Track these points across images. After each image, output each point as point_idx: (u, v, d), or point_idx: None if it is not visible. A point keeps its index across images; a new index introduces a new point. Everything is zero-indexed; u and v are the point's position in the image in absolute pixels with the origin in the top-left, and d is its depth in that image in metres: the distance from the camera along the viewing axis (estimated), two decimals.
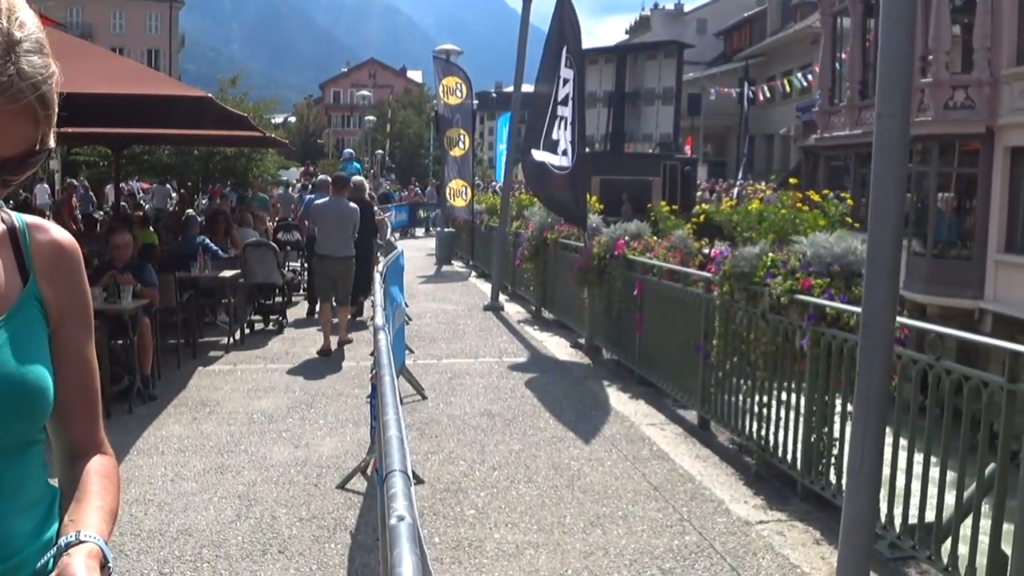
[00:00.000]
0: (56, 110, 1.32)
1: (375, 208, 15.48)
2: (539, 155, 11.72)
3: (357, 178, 13.48)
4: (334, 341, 10.79)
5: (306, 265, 14.57)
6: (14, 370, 1.35)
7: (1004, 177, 20.02)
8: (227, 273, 10.86)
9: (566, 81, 11.41)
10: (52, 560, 1.30)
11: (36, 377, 1.38)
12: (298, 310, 13.89)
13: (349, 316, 11.80)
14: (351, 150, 31.83)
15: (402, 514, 1.69)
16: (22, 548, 1.38)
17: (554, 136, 11.47)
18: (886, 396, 4.16)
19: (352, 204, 11.26)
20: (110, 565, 1.33)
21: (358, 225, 11.19)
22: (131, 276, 8.35)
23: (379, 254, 12.77)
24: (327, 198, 11.56)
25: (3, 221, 1.47)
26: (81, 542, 1.31)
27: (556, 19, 11.85)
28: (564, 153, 11.33)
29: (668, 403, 8.44)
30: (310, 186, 23.42)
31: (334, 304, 11.17)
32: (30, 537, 1.40)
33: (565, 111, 11.38)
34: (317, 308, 12.02)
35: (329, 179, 12.83)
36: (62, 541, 1.32)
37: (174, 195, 26.40)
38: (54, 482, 1.52)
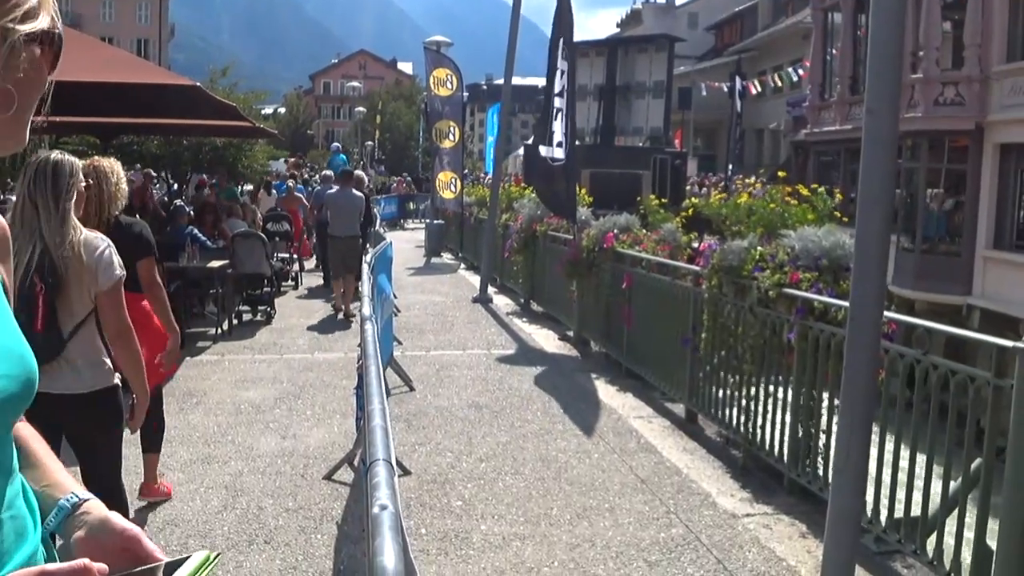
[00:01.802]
0: None
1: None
2: (543, 150, 11.72)
3: (359, 172, 15.64)
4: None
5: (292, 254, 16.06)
6: (25, 352, 1.34)
7: (993, 173, 20.10)
8: (215, 263, 10.82)
9: (562, 73, 11.42)
10: (61, 520, 1.34)
11: (32, 357, 1.37)
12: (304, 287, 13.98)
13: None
14: (338, 144, 32.12)
15: (384, 503, 1.68)
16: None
17: (552, 128, 11.51)
18: (873, 390, 4.17)
19: (357, 193, 13.56)
20: None
21: (363, 210, 13.57)
22: None
23: (368, 244, 12.95)
24: (336, 188, 13.73)
25: None
26: (85, 500, 1.36)
27: (557, 11, 11.86)
28: (559, 145, 11.36)
29: (656, 396, 8.46)
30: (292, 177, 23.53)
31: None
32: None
33: (561, 103, 11.41)
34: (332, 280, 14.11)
35: (332, 174, 15.26)
36: (64, 502, 1.35)
37: (174, 186, 25.78)
38: None
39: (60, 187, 3.69)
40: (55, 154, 3.81)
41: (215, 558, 1.23)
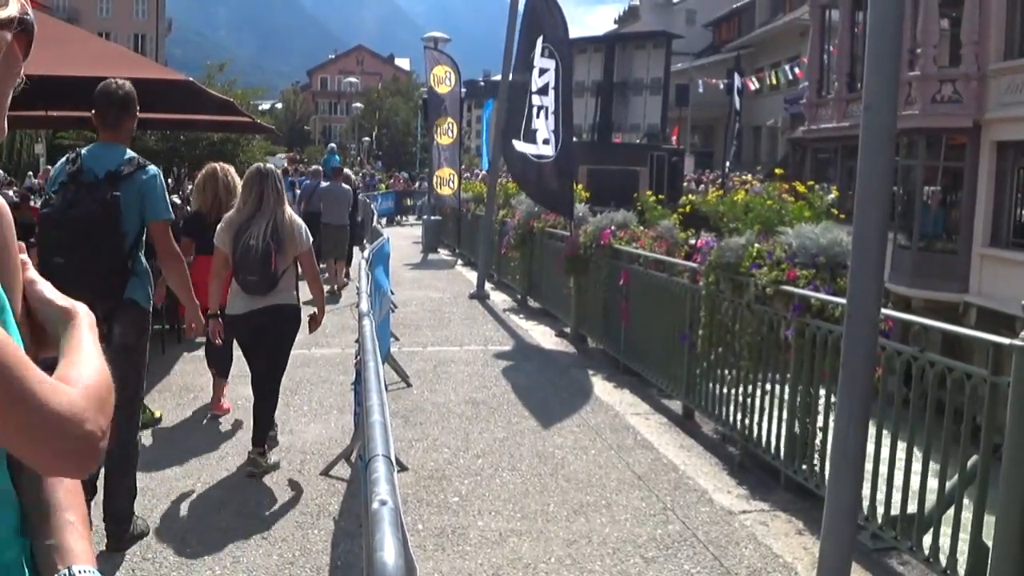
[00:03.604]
0: None
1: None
2: (520, 146, 11.73)
3: (347, 170, 18.49)
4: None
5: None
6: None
7: (990, 171, 20.12)
8: None
9: (543, 71, 11.42)
10: None
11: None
12: None
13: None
14: (334, 144, 32.63)
15: (384, 498, 1.68)
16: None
17: (533, 126, 11.50)
18: (870, 387, 4.17)
19: (346, 187, 15.87)
20: None
21: (352, 202, 15.89)
22: None
23: (364, 241, 13.09)
24: (330, 183, 15.94)
25: None
26: None
27: (529, 10, 11.88)
28: (546, 142, 11.37)
29: (653, 392, 8.46)
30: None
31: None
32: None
33: (545, 100, 11.40)
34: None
35: (320, 168, 17.89)
36: None
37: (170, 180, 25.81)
38: None
39: (282, 184, 6.18)
40: (271, 164, 6.29)
41: None
